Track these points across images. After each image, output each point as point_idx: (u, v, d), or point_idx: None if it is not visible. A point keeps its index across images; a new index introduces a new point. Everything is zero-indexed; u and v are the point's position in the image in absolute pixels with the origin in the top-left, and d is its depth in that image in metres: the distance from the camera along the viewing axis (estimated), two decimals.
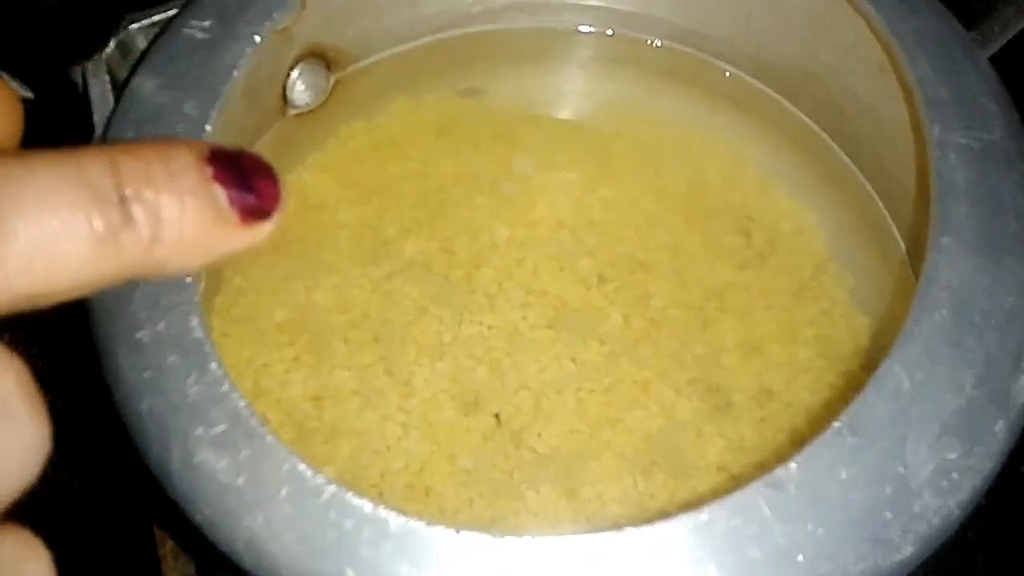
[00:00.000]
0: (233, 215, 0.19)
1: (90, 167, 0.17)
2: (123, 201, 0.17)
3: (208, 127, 0.28)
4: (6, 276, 0.16)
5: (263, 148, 0.37)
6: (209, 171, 0.19)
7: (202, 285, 0.32)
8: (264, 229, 0.20)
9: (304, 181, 0.39)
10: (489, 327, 0.37)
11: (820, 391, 0.36)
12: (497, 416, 0.35)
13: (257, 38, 0.30)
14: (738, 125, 0.41)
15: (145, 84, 0.29)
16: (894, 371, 0.25)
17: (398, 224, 0.38)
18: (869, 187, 0.38)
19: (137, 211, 0.17)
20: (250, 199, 0.19)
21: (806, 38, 0.37)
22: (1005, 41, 0.32)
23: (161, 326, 0.25)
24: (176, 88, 0.29)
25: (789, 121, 0.40)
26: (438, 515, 0.33)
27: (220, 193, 0.19)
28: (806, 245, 0.39)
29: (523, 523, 0.34)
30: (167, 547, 0.38)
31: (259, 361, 0.35)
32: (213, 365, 0.24)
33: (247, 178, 0.19)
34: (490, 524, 0.33)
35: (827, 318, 0.37)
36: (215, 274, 0.35)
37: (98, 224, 0.17)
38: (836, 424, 0.24)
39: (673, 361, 0.36)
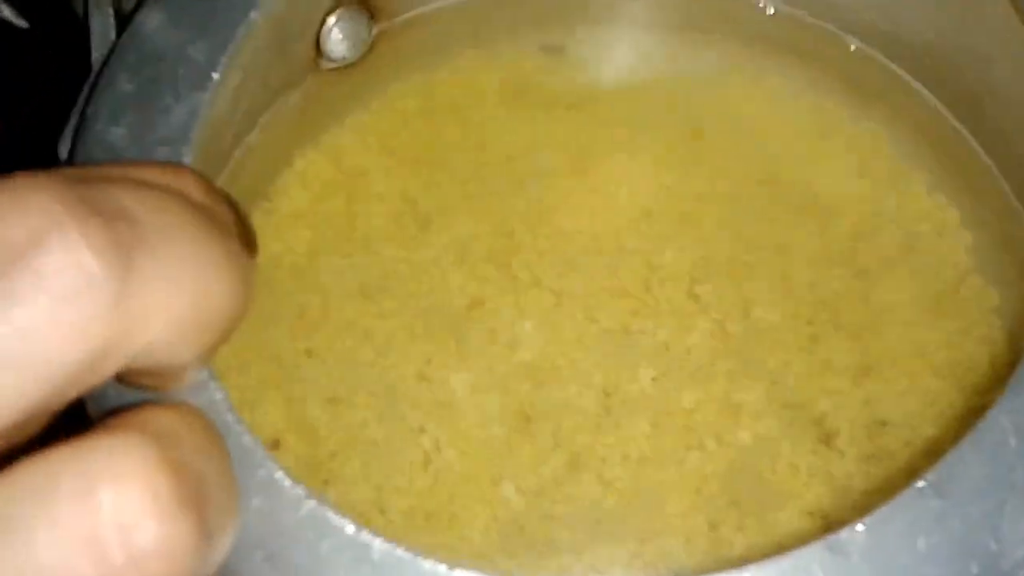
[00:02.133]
0: None
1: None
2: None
3: (215, 75, 0.29)
4: None
5: (292, 104, 0.37)
6: None
7: None
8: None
9: (341, 144, 0.40)
10: (551, 329, 0.37)
11: (947, 427, 0.36)
12: (553, 436, 0.36)
13: None
14: (865, 107, 0.40)
15: (150, 20, 0.30)
16: (999, 423, 0.24)
17: (447, 200, 0.39)
18: (1013, 198, 0.37)
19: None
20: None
21: (946, 13, 0.37)
22: None
23: None
24: (184, 28, 0.30)
25: (923, 110, 0.39)
26: (459, 546, 0.34)
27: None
28: (947, 251, 0.38)
29: (567, 565, 0.34)
30: None
31: (268, 351, 0.36)
32: None
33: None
34: (524, 564, 0.34)
35: (964, 341, 0.37)
36: None
37: None
38: (919, 482, 0.24)
39: (770, 381, 0.36)
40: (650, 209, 0.39)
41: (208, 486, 0.19)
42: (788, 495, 0.35)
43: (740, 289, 0.38)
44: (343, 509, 0.34)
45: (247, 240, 0.24)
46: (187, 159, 0.28)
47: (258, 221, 0.38)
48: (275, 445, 0.34)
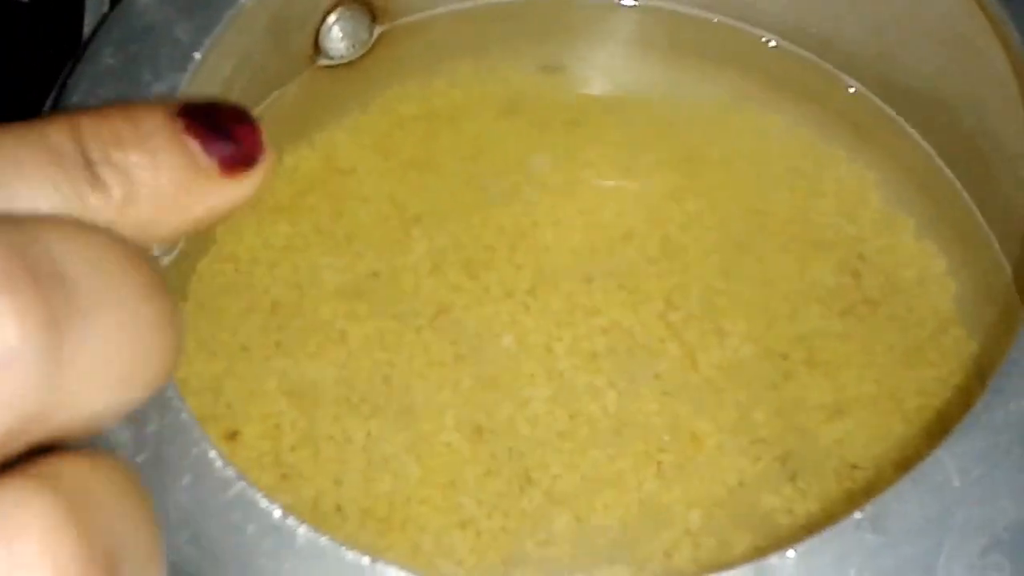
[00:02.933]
0: (213, 165, 0.21)
1: (52, 134, 0.19)
2: (89, 164, 0.19)
3: (197, 55, 0.29)
4: None
5: (288, 99, 0.38)
6: (180, 124, 0.21)
7: (181, 242, 0.34)
8: (251, 179, 0.22)
9: (335, 142, 0.40)
10: (520, 343, 0.37)
11: None
12: (507, 450, 0.35)
13: None
14: (861, 150, 0.40)
15: None
16: (943, 463, 0.24)
17: (433, 207, 0.39)
18: (999, 250, 0.37)
19: (105, 173, 0.19)
20: (228, 147, 0.21)
21: (943, 58, 0.37)
22: None
23: None
24: (173, 7, 0.30)
25: (916, 155, 0.39)
26: (410, 549, 0.34)
27: (195, 145, 0.21)
28: (930, 298, 0.38)
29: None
30: None
31: (237, 342, 0.36)
32: None
33: (224, 127, 0.22)
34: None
35: (939, 389, 0.36)
36: (202, 234, 0.36)
37: (65, 189, 0.19)
38: (856, 515, 0.24)
39: (739, 415, 0.36)
40: (633, 232, 0.39)
41: (122, 555, 0.17)
42: (746, 530, 0.34)
43: (716, 319, 0.38)
44: (300, 504, 0.34)
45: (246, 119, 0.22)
46: None
47: (241, 214, 0.38)
48: (232, 436, 0.34)
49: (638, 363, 0.37)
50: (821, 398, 0.36)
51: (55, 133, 0.19)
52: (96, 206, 0.20)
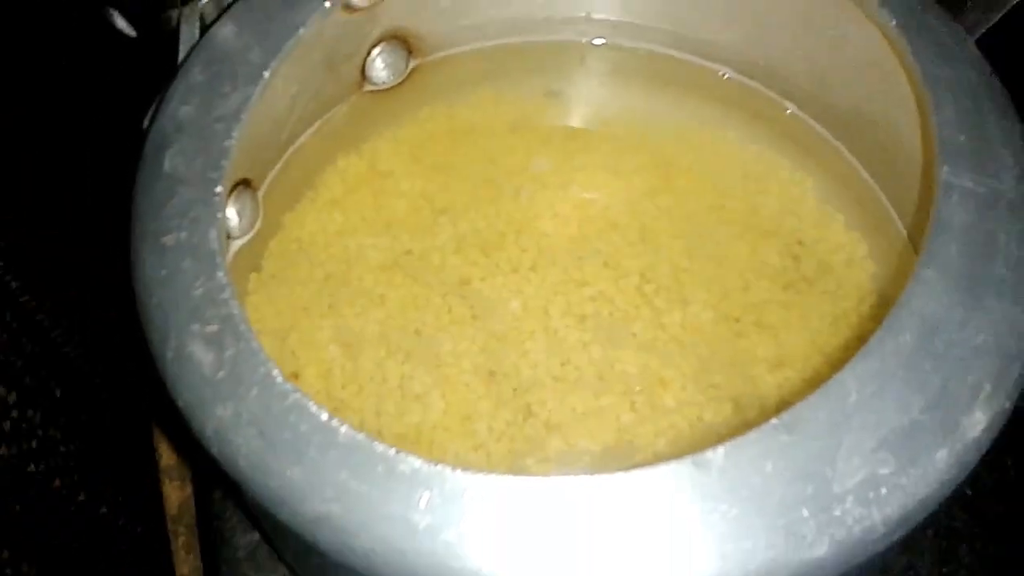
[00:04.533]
0: None
1: None
2: None
3: (266, 73, 0.31)
4: None
5: (340, 116, 0.40)
6: None
7: (258, 225, 0.36)
8: None
9: (377, 150, 0.41)
10: (524, 307, 0.38)
11: None
12: (513, 390, 0.37)
13: (327, 3, 0.33)
14: (799, 159, 0.42)
15: (223, 30, 0.32)
16: (844, 382, 0.25)
17: (456, 201, 0.41)
18: (907, 239, 0.38)
19: None
20: None
21: (863, 85, 0.38)
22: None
23: (184, 235, 0.28)
24: (247, 36, 0.32)
25: (843, 164, 0.40)
26: None
27: None
28: (854, 277, 0.39)
29: None
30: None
31: (299, 304, 0.37)
32: (219, 274, 0.27)
33: None
34: None
35: (859, 346, 0.37)
36: (273, 220, 0.38)
37: None
38: (774, 421, 0.25)
39: (699, 364, 0.37)
40: (616, 222, 0.41)
41: None
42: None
43: (682, 290, 0.39)
44: None
45: None
46: (235, 133, 0.30)
47: (303, 206, 0.40)
48: (294, 376, 0.36)
49: (618, 324, 0.38)
50: (766, 353, 0.38)
51: None
52: None
